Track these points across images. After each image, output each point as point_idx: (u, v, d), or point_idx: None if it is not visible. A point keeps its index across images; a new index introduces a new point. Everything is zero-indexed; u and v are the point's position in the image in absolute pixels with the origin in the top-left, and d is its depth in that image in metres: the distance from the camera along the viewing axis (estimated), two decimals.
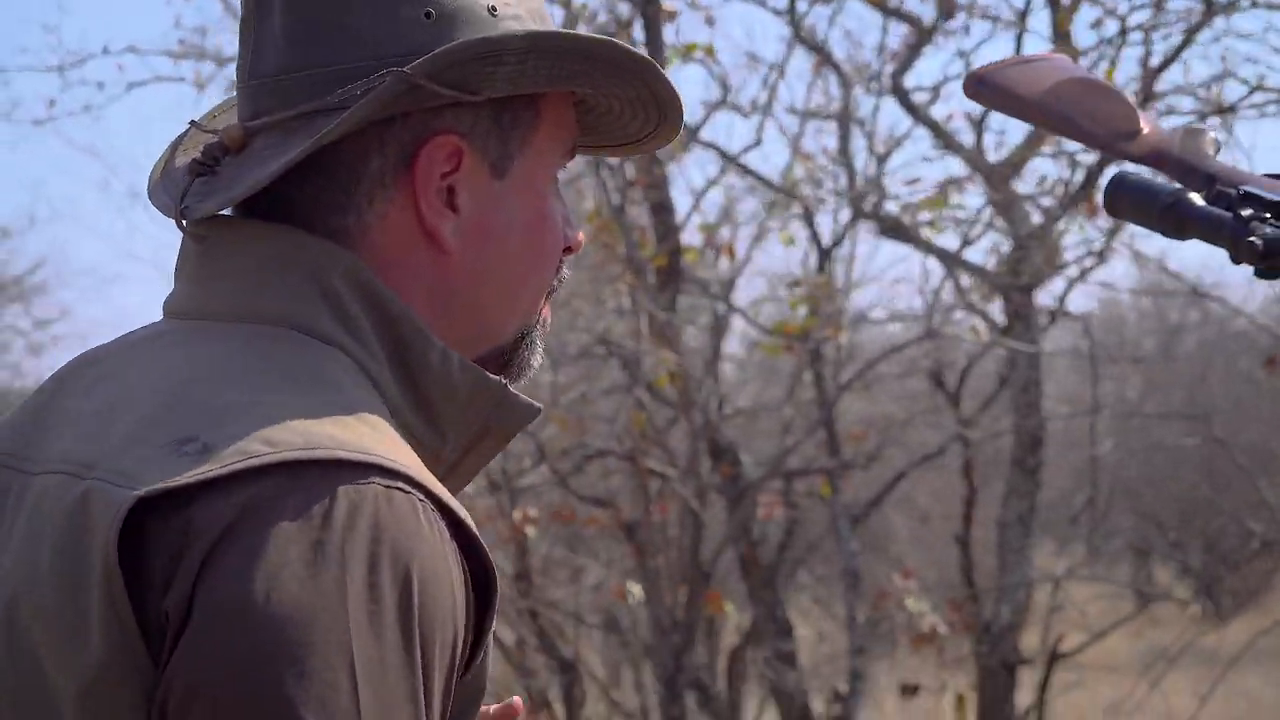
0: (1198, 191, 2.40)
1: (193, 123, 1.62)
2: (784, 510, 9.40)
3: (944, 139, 9.43)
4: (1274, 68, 14.19)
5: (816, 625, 13.24)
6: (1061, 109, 2.51)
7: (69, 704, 1.35)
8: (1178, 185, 2.44)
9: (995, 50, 9.33)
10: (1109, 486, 14.99)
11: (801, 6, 9.46)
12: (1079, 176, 9.15)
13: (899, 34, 9.82)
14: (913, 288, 16.32)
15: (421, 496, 1.37)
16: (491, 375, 1.53)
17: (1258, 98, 8.91)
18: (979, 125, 9.50)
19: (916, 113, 9.43)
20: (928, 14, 9.36)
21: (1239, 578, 15.84)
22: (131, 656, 1.32)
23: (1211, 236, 2.36)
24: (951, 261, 9.41)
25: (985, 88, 2.07)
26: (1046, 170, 14.26)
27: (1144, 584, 15.80)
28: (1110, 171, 6.33)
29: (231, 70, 3.74)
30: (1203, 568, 16.09)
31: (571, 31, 1.53)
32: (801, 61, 21.05)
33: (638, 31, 8.79)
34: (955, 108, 10.05)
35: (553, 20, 1.60)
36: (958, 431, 9.30)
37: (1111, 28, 9.45)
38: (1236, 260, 2.34)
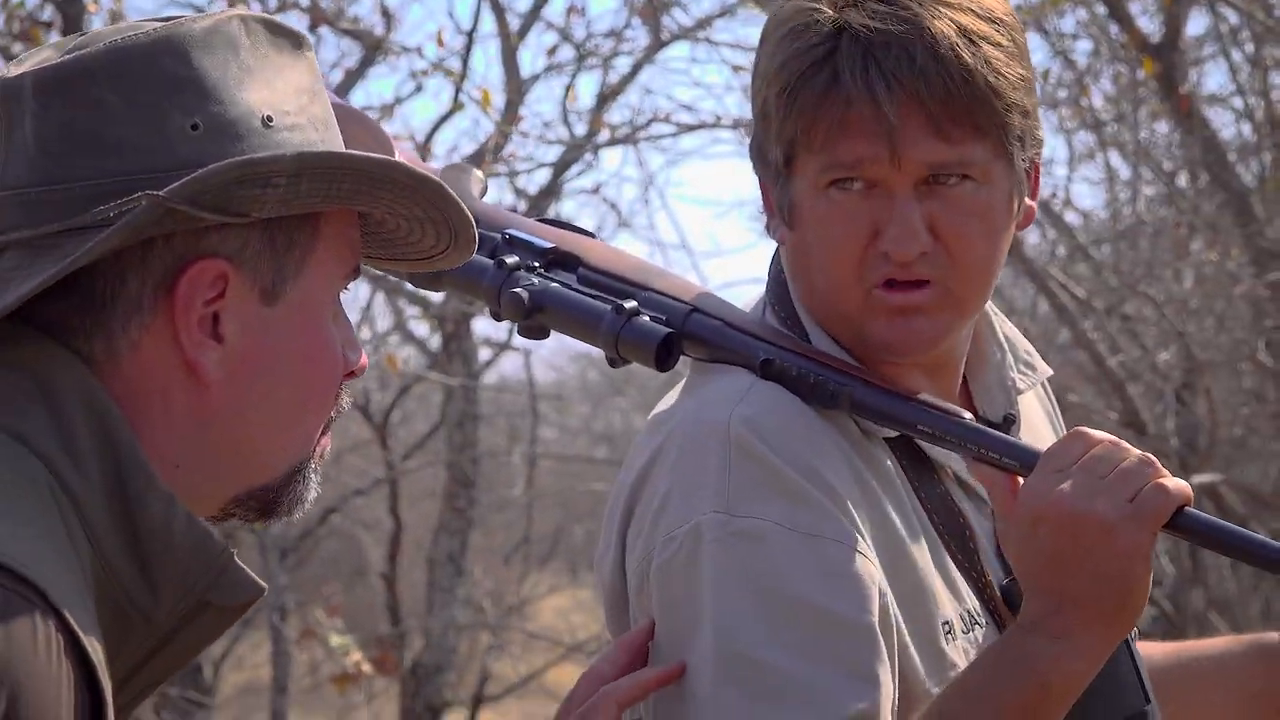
0: None
1: None
2: None
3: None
4: (672, 98, 14.40)
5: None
6: None
7: None
8: None
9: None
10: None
11: None
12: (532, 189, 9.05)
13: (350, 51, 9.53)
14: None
15: (44, 609, 1.31)
16: (219, 540, 1.42)
17: (655, 129, 8.94)
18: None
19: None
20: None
21: None
22: None
23: (469, 287, 1.95)
24: (392, 289, 9.15)
25: None
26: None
27: None
28: None
29: None
30: None
31: (347, 151, 1.43)
32: None
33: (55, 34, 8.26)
34: (400, 128, 9.78)
35: (336, 128, 1.49)
36: (383, 469, 9.04)
37: (566, 53, 9.43)
38: (498, 316, 1.93)
